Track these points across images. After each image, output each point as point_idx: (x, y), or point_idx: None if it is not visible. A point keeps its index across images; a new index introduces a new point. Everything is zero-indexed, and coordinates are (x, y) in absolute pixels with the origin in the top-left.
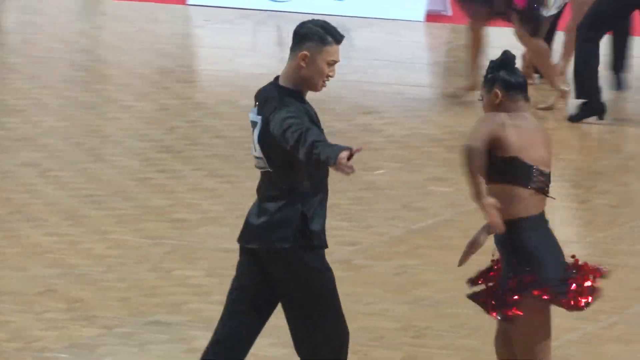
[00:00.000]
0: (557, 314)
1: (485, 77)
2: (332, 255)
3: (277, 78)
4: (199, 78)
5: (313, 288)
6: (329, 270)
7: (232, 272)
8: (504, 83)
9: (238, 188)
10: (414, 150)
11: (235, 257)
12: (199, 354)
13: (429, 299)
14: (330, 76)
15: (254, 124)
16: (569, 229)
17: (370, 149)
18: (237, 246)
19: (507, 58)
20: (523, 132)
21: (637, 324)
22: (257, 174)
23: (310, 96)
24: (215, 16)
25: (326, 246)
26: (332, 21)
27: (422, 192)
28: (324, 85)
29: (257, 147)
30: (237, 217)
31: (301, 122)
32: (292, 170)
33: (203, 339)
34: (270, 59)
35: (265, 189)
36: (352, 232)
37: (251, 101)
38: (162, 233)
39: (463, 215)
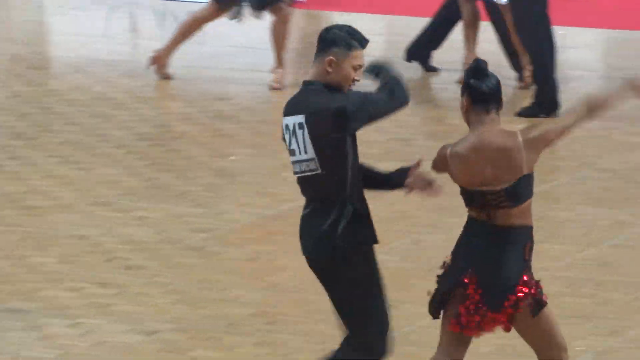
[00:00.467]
0: (409, 299)
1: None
2: (185, 242)
3: (305, 82)
4: (52, 65)
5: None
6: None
7: (86, 259)
8: (471, 93)
9: (90, 175)
10: (266, 137)
11: (88, 243)
12: (53, 341)
13: (283, 285)
14: (357, 80)
15: (294, 127)
16: (424, 213)
17: (223, 135)
18: (90, 232)
19: (478, 66)
20: (462, 159)
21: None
22: (111, 160)
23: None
24: (69, 3)
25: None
26: (183, 7)
27: (275, 178)
28: (350, 89)
29: (310, 147)
30: (89, 204)
31: (371, 102)
32: (341, 169)
33: (57, 326)
34: (124, 46)
35: (315, 194)
36: (205, 218)
37: (104, 87)
38: (15, 220)
39: None
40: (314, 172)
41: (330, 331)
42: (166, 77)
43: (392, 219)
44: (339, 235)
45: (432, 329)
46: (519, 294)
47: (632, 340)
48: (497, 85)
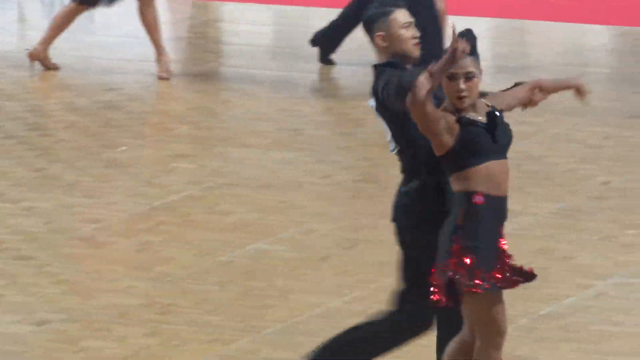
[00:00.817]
0: (299, 289)
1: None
2: (75, 232)
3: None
4: None
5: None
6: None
7: None
8: None
9: None
10: (155, 127)
11: None
12: None
13: (172, 275)
14: (415, 37)
15: (374, 110)
16: (312, 203)
17: (112, 125)
18: None
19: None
20: None
21: (380, 299)
22: (0, 151)
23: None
24: None
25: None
26: None
27: (164, 169)
28: (417, 46)
29: (385, 127)
30: None
31: (395, 77)
32: (408, 145)
33: None
34: (12, 37)
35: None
36: (95, 209)
37: None
38: None
39: (205, 191)
40: (394, 150)
41: (220, 322)
42: (53, 67)
43: (282, 209)
44: (406, 205)
45: (321, 319)
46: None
47: (520, 328)
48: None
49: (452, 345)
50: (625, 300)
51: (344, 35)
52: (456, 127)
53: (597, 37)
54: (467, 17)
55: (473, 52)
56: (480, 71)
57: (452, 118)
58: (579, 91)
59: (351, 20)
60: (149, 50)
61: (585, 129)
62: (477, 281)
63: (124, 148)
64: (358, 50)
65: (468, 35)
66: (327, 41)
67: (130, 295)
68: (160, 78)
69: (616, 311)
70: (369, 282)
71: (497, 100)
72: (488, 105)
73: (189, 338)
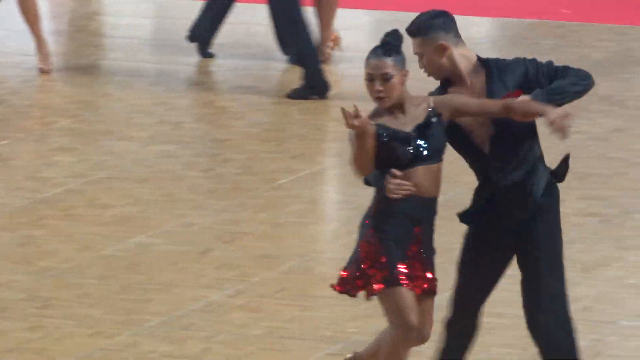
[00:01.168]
0: (180, 282)
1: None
2: None
3: None
4: None
5: None
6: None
7: None
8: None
9: None
10: (36, 121)
11: None
12: None
13: (54, 269)
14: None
15: None
16: (193, 196)
17: None
18: None
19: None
20: None
21: (261, 292)
22: None
23: None
24: None
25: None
26: None
27: (45, 163)
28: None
29: None
30: None
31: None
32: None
33: None
34: None
35: None
36: None
37: None
38: None
39: (87, 184)
40: None
41: (101, 315)
42: None
43: (162, 202)
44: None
45: (203, 313)
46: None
47: None
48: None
49: (383, 332)
50: (506, 293)
51: (218, 26)
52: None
53: (479, 28)
54: (351, 10)
55: (397, 52)
56: (404, 72)
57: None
58: (554, 126)
59: (220, 11)
60: (30, 43)
61: None
62: (378, 272)
63: (4, 142)
64: (236, 44)
65: (393, 36)
66: (203, 35)
67: (11, 289)
68: (41, 71)
69: (494, 304)
70: (249, 275)
71: (446, 104)
72: (430, 108)
73: (70, 332)
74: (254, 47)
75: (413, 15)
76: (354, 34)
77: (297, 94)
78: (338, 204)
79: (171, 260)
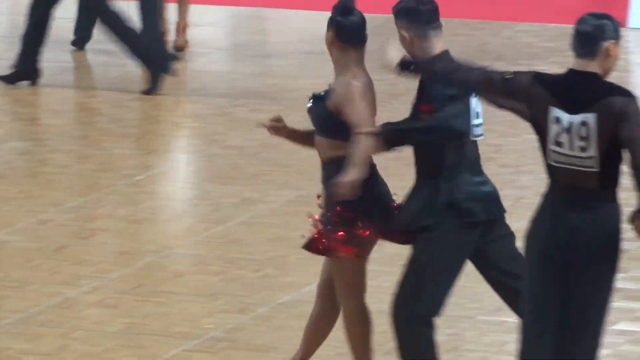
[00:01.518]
0: (35, 279)
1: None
2: None
3: None
4: None
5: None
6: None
7: None
8: (337, 29)
9: None
10: None
11: None
12: None
13: None
14: None
15: None
16: (48, 193)
17: None
18: None
19: (346, 4)
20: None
21: (118, 288)
22: None
23: None
24: None
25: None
26: None
27: None
28: None
29: None
30: None
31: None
32: None
33: None
34: None
35: None
36: None
37: None
38: None
39: None
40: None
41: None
42: None
43: (18, 199)
44: None
45: (59, 309)
46: None
47: (259, 317)
48: (363, 21)
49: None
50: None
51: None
52: None
53: None
54: (206, 6)
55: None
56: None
57: None
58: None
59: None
60: None
61: None
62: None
63: None
64: (96, 40)
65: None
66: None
67: None
68: None
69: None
70: (106, 271)
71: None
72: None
73: None
74: (111, 43)
75: (269, 11)
76: (208, 30)
77: (152, 90)
78: (193, 200)
79: (27, 257)
